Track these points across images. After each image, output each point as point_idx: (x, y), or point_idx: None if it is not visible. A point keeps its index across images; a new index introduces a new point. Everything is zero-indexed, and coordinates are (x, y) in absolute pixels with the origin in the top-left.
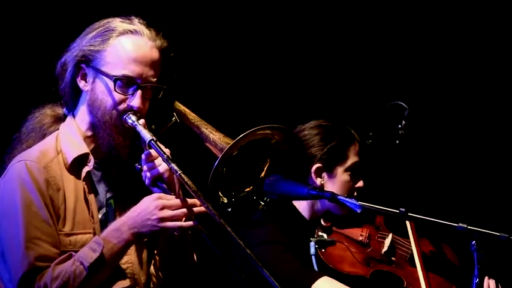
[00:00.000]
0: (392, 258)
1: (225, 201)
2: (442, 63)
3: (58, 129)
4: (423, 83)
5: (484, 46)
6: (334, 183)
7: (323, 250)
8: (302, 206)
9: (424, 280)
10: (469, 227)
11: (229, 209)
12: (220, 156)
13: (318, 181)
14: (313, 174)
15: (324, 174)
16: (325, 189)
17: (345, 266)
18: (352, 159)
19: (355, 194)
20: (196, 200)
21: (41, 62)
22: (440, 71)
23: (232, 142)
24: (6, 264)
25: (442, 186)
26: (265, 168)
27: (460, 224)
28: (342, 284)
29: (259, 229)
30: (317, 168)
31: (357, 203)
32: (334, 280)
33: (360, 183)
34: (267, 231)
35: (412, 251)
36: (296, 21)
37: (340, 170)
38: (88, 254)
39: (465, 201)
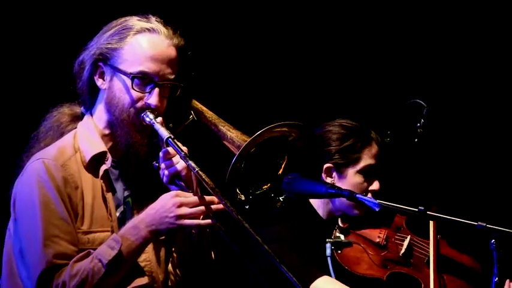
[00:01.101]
0: (410, 260)
1: (243, 198)
2: (461, 61)
3: (76, 127)
4: (442, 81)
5: (502, 44)
6: (344, 184)
7: (339, 252)
8: (317, 205)
9: (434, 282)
10: (488, 225)
11: (247, 207)
12: (237, 152)
13: (329, 180)
14: (323, 173)
15: (334, 174)
16: None
17: (360, 268)
18: (365, 162)
19: (370, 196)
20: (214, 197)
21: (58, 61)
22: (459, 69)
23: (249, 139)
24: (25, 262)
25: (461, 185)
26: (282, 166)
27: (480, 223)
28: (342, 284)
29: (267, 228)
30: (327, 167)
31: (376, 202)
32: (334, 280)
33: (375, 186)
34: (275, 230)
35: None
36: (315, 20)
37: (351, 172)
38: (106, 252)
39: (485, 199)
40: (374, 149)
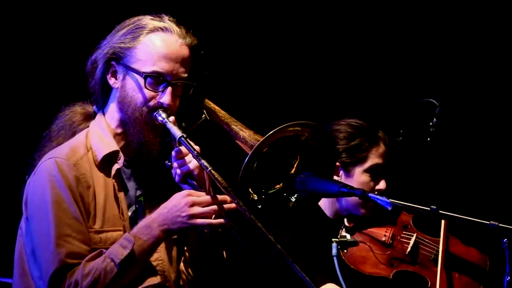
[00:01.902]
0: (417, 258)
1: (255, 198)
2: (473, 60)
3: (88, 126)
4: (454, 80)
5: None
6: (351, 183)
7: (345, 251)
8: (324, 204)
9: (440, 278)
10: (500, 224)
11: (260, 206)
12: (250, 152)
13: (335, 179)
14: None
15: (342, 173)
16: None
17: (366, 267)
18: (372, 161)
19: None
20: (226, 196)
21: (71, 60)
22: (471, 68)
23: (262, 138)
24: (37, 262)
25: (473, 184)
26: (295, 165)
27: (492, 222)
28: None
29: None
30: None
31: (388, 201)
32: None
33: (381, 185)
34: (276, 233)
35: (437, 251)
36: (328, 19)
37: (358, 171)
38: (118, 251)
39: (497, 198)
40: (381, 148)
